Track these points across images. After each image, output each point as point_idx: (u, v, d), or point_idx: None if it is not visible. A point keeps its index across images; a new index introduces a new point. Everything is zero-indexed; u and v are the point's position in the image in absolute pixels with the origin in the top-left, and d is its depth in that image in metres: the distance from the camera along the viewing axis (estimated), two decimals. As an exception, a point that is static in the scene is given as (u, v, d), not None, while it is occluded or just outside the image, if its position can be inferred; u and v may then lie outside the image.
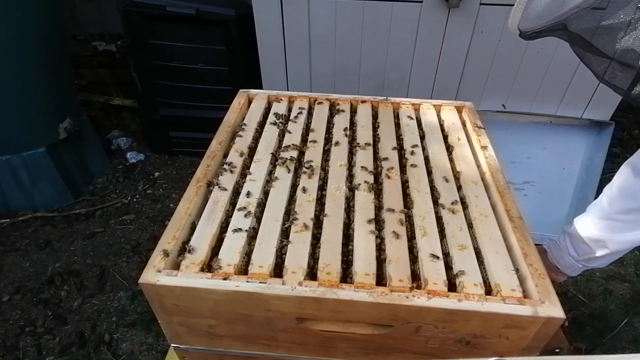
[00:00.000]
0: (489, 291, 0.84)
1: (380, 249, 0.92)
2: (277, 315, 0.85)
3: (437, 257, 0.88)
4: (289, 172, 1.10)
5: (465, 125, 1.31)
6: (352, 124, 1.31)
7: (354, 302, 0.80)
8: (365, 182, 1.07)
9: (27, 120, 2.38)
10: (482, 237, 0.94)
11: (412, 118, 1.33)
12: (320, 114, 1.33)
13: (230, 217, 0.97)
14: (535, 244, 0.93)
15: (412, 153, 1.18)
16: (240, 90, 1.42)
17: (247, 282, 0.82)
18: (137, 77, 2.80)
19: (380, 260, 0.89)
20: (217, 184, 1.05)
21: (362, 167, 1.12)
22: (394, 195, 1.04)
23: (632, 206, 0.91)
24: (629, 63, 0.63)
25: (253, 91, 1.42)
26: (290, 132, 1.25)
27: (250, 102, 1.39)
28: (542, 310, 0.78)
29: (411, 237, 0.94)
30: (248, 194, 1.03)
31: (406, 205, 1.02)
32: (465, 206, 1.03)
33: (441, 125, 1.31)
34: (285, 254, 0.89)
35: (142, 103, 3.00)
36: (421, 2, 2.00)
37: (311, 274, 0.86)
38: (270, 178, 1.09)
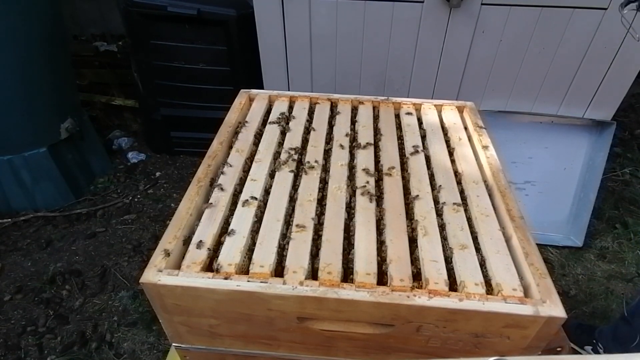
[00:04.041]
0: (490, 290, 0.83)
1: (381, 248, 0.92)
2: (278, 314, 0.85)
3: (438, 257, 0.88)
4: (289, 172, 1.10)
5: (466, 125, 1.31)
6: (353, 124, 1.31)
7: (355, 302, 0.80)
8: (367, 181, 1.07)
9: (29, 121, 2.38)
10: (483, 237, 0.94)
11: (413, 118, 1.33)
12: (321, 114, 1.33)
13: (231, 217, 0.97)
14: (537, 244, 0.93)
15: (413, 153, 1.18)
16: (241, 90, 1.42)
17: (248, 281, 0.82)
18: (138, 77, 2.81)
19: (381, 260, 0.89)
20: (218, 184, 1.05)
21: (363, 167, 1.12)
22: (395, 194, 1.04)
23: None
24: None
25: (254, 91, 1.42)
26: (291, 132, 1.25)
27: (251, 102, 1.39)
28: (543, 309, 0.78)
29: (412, 237, 0.94)
30: (249, 194, 1.03)
31: (407, 205, 1.02)
32: (466, 206, 1.03)
33: (442, 125, 1.31)
34: (286, 253, 0.89)
35: (143, 103, 3.00)
36: (422, 2, 2.00)
37: (312, 273, 0.87)
38: (271, 178, 1.09)
